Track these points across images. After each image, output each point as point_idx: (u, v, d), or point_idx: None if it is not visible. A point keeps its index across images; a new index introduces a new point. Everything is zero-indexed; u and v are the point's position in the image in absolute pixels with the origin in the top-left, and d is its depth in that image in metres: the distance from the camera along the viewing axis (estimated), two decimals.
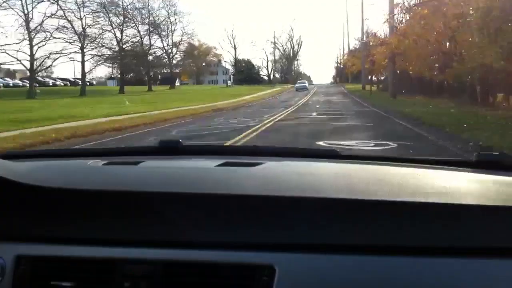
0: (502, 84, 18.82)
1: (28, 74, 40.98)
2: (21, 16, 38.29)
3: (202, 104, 26.10)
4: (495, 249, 0.85)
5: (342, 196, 0.94)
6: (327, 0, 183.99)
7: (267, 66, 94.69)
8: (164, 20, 58.96)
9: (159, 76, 75.23)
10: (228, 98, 33.84)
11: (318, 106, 25.11)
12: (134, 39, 52.67)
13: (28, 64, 38.90)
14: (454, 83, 24.46)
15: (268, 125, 14.17)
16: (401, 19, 29.77)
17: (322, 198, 0.93)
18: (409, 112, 17.19)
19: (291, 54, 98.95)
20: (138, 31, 53.65)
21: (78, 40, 43.29)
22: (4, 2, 35.09)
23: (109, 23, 47.89)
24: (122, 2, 49.60)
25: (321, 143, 9.48)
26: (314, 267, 0.85)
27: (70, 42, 42.98)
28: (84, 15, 44.68)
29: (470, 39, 17.87)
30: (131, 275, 0.90)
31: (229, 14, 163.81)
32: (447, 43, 23.24)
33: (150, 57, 58.64)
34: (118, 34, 49.71)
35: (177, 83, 77.74)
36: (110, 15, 47.85)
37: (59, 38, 41.84)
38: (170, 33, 62.13)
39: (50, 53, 41.14)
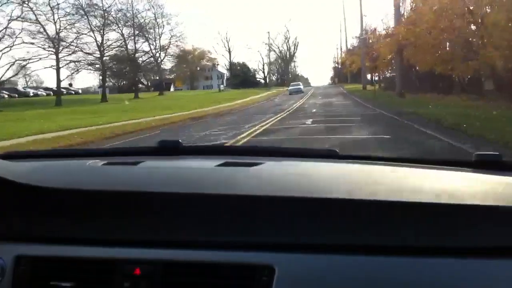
0: None
1: None
2: None
3: (184, 111, 23.42)
4: (495, 249, 0.84)
5: (341, 196, 0.94)
6: (322, 1, 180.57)
7: (263, 68, 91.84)
8: (149, 22, 55.12)
9: (148, 83, 71.56)
10: (217, 104, 31.32)
11: (314, 110, 21.19)
12: (116, 43, 48.65)
13: None
14: (465, 78, 20.97)
15: (243, 140, 10.49)
16: (409, 7, 25.84)
17: (321, 198, 0.93)
18: (430, 115, 13.39)
19: (288, 56, 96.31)
20: (122, 34, 49.81)
21: (52, 45, 39.50)
22: None
23: (88, 26, 44.13)
24: (102, 4, 45.91)
25: None
26: (314, 267, 0.85)
27: (43, 48, 39.28)
28: (59, 18, 40.66)
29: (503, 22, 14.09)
30: (131, 275, 0.90)
31: (222, 16, 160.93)
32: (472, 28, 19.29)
33: (138, 62, 54.89)
34: (99, 38, 45.96)
35: (172, 89, 75.22)
36: (89, 17, 44.07)
37: (27, 43, 38.02)
38: (158, 36, 58.49)
39: (16, 60, 37.32)
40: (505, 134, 8.33)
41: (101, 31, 45.68)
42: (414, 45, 21.56)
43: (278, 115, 18.65)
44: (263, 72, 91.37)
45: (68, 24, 41.21)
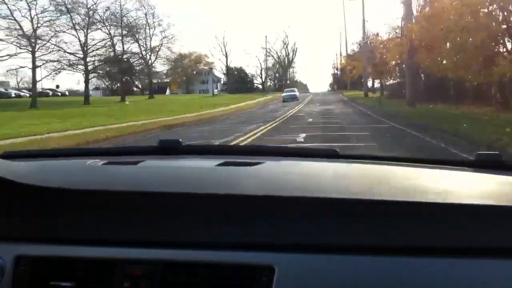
0: None
1: None
2: None
3: (161, 117, 20.82)
4: (495, 249, 0.84)
5: (342, 196, 0.94)
6: (322, 7, 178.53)
7: (261, 74, 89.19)
8: (138, 21, 51.91)
9: (140, 85, 68.61)
10: (205, 109, 28.76)
11: (310, 120, 17.95)
12: (101, 43, 45.13)
13: None
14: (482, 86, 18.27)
15: None
16: (422, 1, 22.58)
17: (321, 198, 0.93)
18: (472, 133, 10.13)
19: (286, 61, 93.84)
20: (109, 34, 46.54)
21: (28, 44, 36.26)
22: None
23: (71, 24, 40.89)
24: (87, 1, 42.40)
25: None
26: (314, 267, 0.85)
27: (19, 46, 36.06)
28: (36, 14, 37.41)
29: None
30: (131, 275, 0.90)
31: (222, 17, 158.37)
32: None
33: (126, 64, 51.71)
34: (83, 37, 42.72)
35: (168, 93, 72.75)
36: (72, 14, 40.84)
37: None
38: (148, 38, 55.33)
39: None
40: None
41: (85, 29, 42.51)
42: (429, 47, 18.33)
43: (268, 125, 15.54)
44: (261, 78, 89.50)
45: (45, 22, 37.94)
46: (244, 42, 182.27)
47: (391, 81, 41.89)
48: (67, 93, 65.15)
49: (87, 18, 42.45)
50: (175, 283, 0.88)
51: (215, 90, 64.36)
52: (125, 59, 50.69)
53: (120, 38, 48.31)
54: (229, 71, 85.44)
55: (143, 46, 54.06)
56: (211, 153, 1.53)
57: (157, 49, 55.60)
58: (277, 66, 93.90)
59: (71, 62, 42.01)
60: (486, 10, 15.73)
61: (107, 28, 45.85)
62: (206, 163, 1.31)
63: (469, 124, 11.80)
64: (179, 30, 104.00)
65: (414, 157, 1.33)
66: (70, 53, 41.42)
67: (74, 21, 41.21)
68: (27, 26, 37.10)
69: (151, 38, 55.87)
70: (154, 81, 74.95)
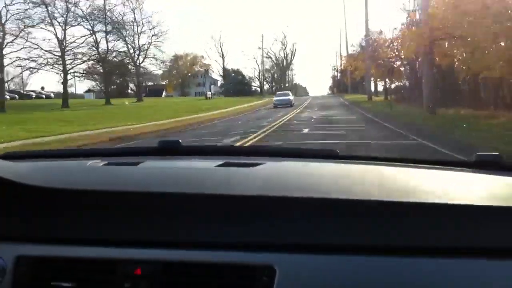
0: None
1: None
2: None
3: (127, 125, 17.78)
4: (495, 249, 0.85)
5: (341, 196, 0.94)
6: (322, 7, 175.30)
7: (259, 76, 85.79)
8: (121, 15, 48.25)
9: (130, 87, 65.19)
10: (187, 115, 25.72)
11: (306, 130, 14.28)
12: (81, 40, 41.52)
13: None
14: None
15: None
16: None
17: (321, 199, 0.93)
18: None
19: (284, 63, 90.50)
20: (92, 30, 42.95)
21: None
22: None
23: (47, 18, 37.31)
24: None
25: None
26: (314, 268, 0.86)
27: None
28: (5, 6, 33.86)
29: None
30: (131, 275, 0.90)
31: (220, 14, 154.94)
32: None
33: (110, 63, 48.10)
34: (60, 33, 39.13)
35: (164, 95, 70.91)
36: (48, 8, 37.25)
37: None
38: (136, 35, 51.70)
39: None
40: None
41: (63, 25, 39.00)
42: (456, 37, 14.61)
43: (246, 140, 11.91)
44: (259, 80, 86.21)
45: (13, 14, 34.28)
46: (241, 43, 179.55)
47: (396, 83, 38.36)
48: (52, 95, 61.42)
49: (65, 13, 39.03)
50: (175, 283, 0.88)
51: (209, 93, 60.87)
52: (110, 59, 47.17)
53: (104, 35, 44.86)
54: (225, 73, 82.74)
55: (130, 45, 50.62)
56: (211, 153, 1.54)
57: (145, 47, 52.01)
58: (275, 67, 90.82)
59: (48, 61, 38.56)
60: None
61: (89, 23, 42.37)
62: (206, 163, 1.32)
63: None
64: (176, 27, 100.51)
65: (414, 158, 1.26)
66: (46, 51, 38.02)
67: (51, 15, 37.78)
68: None
69: (139, 36, 52.44)
70: (150, 83, 71.68)
